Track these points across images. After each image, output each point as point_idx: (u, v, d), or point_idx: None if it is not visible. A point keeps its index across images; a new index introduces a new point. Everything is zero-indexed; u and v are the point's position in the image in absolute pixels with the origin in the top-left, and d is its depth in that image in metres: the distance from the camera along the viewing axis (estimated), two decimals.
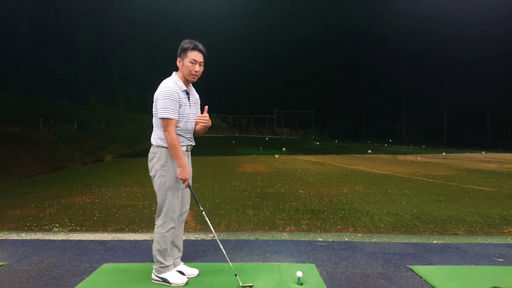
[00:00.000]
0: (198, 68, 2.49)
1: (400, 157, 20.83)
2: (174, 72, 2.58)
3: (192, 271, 2.65)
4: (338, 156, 20.38)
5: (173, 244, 2.62)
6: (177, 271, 2.62)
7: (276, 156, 18.11)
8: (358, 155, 21.00)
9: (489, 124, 50.91)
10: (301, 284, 2.50)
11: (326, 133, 61.06)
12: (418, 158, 20.18)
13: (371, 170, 12.03)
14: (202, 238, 3.71)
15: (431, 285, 2.56)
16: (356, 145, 35.19)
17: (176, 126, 2.44)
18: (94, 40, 30.68)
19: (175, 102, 2.41)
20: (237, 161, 14.83)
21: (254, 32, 50.90)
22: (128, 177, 9.19)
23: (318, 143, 36.38)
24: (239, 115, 53.71)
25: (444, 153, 26.57)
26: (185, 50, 2.48)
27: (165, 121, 2.38)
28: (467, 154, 26.20)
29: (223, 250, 2.54)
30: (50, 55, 24.54)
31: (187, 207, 2.69)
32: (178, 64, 2.52)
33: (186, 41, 2.51)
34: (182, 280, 2.47)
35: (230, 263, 2.51)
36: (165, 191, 2.44)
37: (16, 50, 21.98)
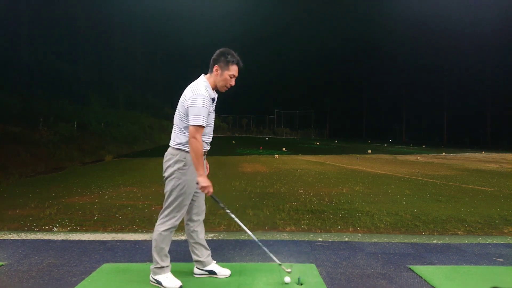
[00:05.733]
0: (233, 83, 2.50)
1: (400, 157, 20.81)
2: (203, 76, 2.52)
3: (224, 271, 2.64)
4: (338, 156, 20.35)
5: (199, 244, 2.64)
6: (207, 270, 2.63)
7: (276, 156, 18.10)
8: (358, 155, 20.99)
9: (489, 124, 50.95)
10: (301, 284, 2.50)
11: (326, 133, 61.17)
12: (418, 158, 20.17)
13: (371, 170, 12.02)
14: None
15: (431, 285, 2.56)
16: (356, 145, 35.18)
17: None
18: (94, 40, 30.67)
19: (207, 110, 2.38)
20: (237, 161, 14.81)
21: (254, 33, 50.92)
22: (128, 177, 9.18)
23: (318, 143, 36.40)
24: (239, 115, 53.82)
25: (444, 153, 26.55)
26: (227, 63, 2.44)
27: (196, 128, 2.33)
28: (467, 154, 26.18)
29: (265, 248, 2.65)
30: (50, 55, 24.54)
31: (203, 208, 2.72)
32: (215, 71, 2.46)
33: (228, 51, 2.46)
34: (175, 284, 2.42)
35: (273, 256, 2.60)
36: (177, 194, 2.41)
37: (16, 50, 21.97)
